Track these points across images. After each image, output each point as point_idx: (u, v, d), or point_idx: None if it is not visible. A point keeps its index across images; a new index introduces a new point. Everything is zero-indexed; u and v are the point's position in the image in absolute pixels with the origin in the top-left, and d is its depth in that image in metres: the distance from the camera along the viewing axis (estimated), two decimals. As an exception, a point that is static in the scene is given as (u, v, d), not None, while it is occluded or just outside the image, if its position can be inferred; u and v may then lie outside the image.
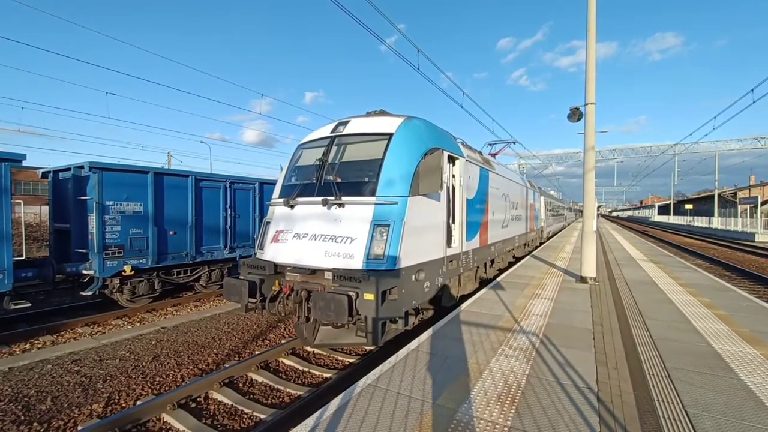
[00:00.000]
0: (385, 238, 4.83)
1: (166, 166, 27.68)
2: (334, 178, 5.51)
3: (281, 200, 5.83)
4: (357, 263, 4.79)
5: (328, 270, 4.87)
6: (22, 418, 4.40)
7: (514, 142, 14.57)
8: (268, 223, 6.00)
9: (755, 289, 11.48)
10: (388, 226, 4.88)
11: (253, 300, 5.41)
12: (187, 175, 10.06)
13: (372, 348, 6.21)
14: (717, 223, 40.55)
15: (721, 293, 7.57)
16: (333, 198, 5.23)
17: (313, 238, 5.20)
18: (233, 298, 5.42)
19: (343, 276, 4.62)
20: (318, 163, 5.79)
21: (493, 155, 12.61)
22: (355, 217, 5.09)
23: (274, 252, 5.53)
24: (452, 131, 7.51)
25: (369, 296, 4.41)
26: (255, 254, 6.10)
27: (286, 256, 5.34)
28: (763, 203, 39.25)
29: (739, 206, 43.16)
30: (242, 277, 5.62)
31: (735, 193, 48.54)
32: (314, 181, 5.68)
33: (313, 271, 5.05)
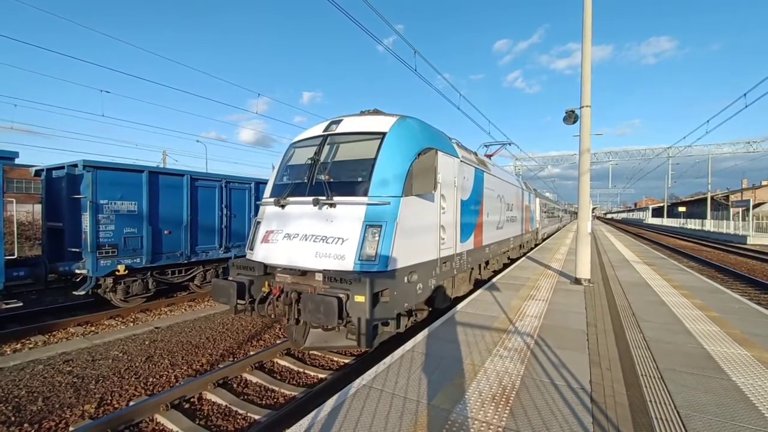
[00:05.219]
0: (377, 238, 4.76)
1: (161, 165, 27.52)
2: (326, 177, 5.41)
3: (272, 200, 5.73)
4: (348, 264, 4.72)
5: (319, 271, 4.80)
6: (13, 419, 4.35)
7: (509, 144, 14.61)
8: (259, 222, 5.90)
9: (747, 291, 11.60)
10: (381, 226, 4.81)
11: (242, 301, 5.32)
12: (182, 174, 10.00)
13: (368, 348, 6.19)
14: (710, 225, 40.93)
15: (713, 295, 7.64)
16: (324, 198, 5.15)
17: (303, 239, 5.09)
18: (222, 299, 5.33)
19: (334, 277, 4.56)
20: (310, 162, 5.68)
21: (489, 156, 12.65)
22: (346, 217, 5.01)
23: (264, 252, 5.44)
24: (448, 132, 7.52)
25: (360, 298, 4.34)
26: (246, 254, 6.04)
27: (276, 256, 5.25)
28: (755, 206, 39.72)
29: (731, 209, 43.65)
30: (231, 278, 5.52)
31: (727, 196, 49.10)
32: (306, 181, 5.57)
33: (304, 272, 4.99)
